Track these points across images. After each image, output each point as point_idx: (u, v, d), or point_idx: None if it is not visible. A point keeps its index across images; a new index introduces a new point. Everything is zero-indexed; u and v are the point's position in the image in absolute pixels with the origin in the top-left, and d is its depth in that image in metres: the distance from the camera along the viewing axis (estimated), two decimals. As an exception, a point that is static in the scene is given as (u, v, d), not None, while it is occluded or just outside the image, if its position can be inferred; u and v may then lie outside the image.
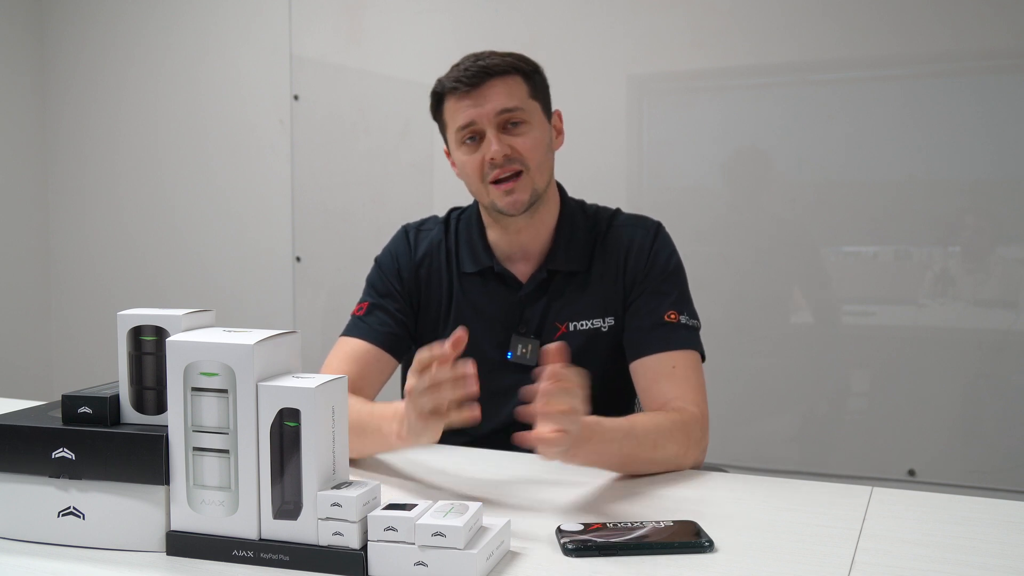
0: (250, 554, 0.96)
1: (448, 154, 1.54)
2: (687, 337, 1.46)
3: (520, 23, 2.76)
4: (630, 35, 2.65)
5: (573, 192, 1.60)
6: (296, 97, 3.10)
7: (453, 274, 1.55)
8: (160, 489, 0.99)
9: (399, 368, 1.58)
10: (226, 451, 0.96)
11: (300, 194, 3.13)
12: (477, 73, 1.43)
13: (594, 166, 2.61)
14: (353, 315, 1.55)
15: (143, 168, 3.39)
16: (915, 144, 2.40)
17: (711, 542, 1.00)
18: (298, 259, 3.14)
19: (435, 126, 1.55)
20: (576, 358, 1.13)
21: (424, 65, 2.45)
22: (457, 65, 1.47)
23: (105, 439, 0.99)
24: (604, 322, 1.51)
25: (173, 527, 0.99)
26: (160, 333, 1.02)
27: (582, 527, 1.04)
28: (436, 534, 0.91)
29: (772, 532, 1.07)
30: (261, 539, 0.96)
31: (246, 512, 0.96)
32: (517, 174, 1.45)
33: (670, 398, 1.40)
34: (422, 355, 1.07)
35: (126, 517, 0.99)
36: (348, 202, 3.06)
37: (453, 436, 1.42)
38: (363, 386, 1.47)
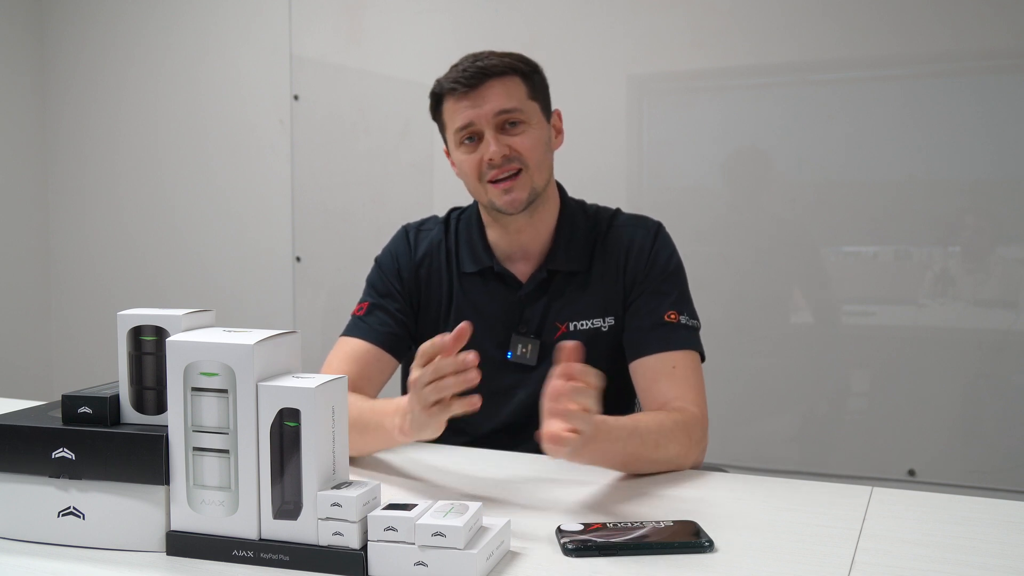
0: (250, 554, 0.96)
1: (448, 154, 1.54)
2: (687, 337, 1.46)
3: (520, 23, 2.76)
4: (630, 35, 2.65)
5: (573, 192, 1.60)
6: (296, 97, 3.10)
7: (453, 274, 1.56)
8: (160, 489, 0.99)
9: (399, 368, 1.58)
10: (226, 451, 0.96)
11: (300, 194, 3.13)
12: (475, 74, 1.43)
13: (594, 166, 2.61)
14: (353, 315, 1.55)
15: (143, 168, 3.39)
16: (915, 144, 2.40)
17: (711, 542, 1.00)
18: (298, 259, 3.14)
19: (435, 126, 1.55)
20: (576, 359, 1.13)
21: (424, 65, 2.45)
22: (456, 66, 1.47)
23: (105, 439, 0.99)
24: (604, 322, 1.51)
25: (173, 527, 0.99)
26: (160, 333, 1.02)
27: (582, 527, 1.04)
28: (436, 534, 0.91)
29: (772, 532, 1.07)
30: (261, 539, 0.96)
31: (246, 512, 0.96)
32: (516, 172, 1.45)
33: (670, 398, 1.40)
34: (425, 347, 1.08)
35: (126, 517, 0.99)
36: (348, 202, 3.06)
37: (453, 436, 1.43)
38: (363, 386, 1.47)
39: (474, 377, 1.07)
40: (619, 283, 1.51)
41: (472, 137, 1.46)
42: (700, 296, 1.56)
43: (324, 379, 0.97)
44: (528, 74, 1.48)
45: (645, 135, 2.69)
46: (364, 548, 0.93)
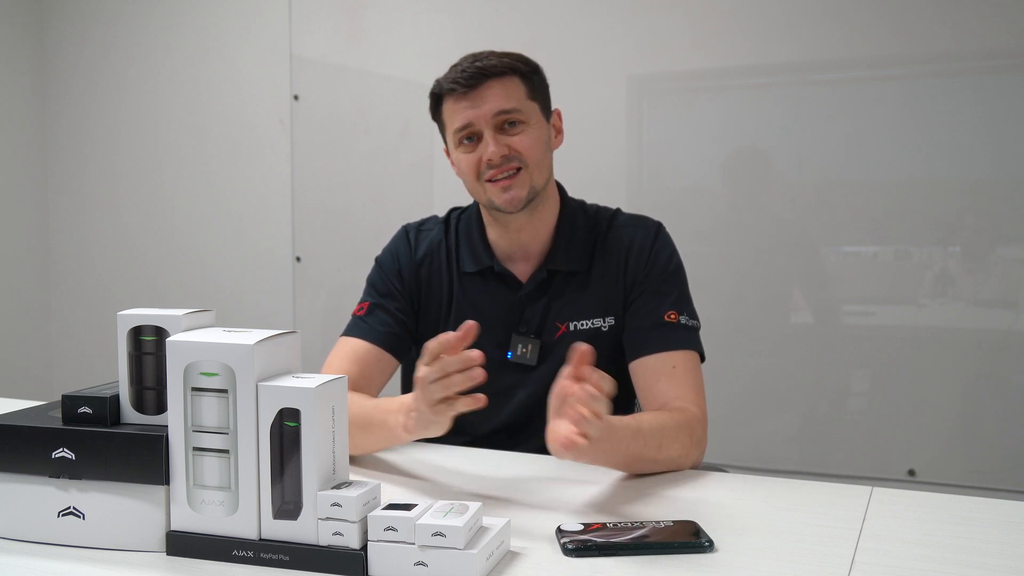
0: (250, 554, 0.96)
1: (448, 154, 1.54)
2: (687, 337, 1.46)
3: (520, 23, 2.76)
4: (630, 35, 2.65)
5: (573, 192, 1.60)
6: (296, 97, 3.10)
7: (453, 274, 1.56)
8: (160, 489, 0.99)
9: (399, 368, 1.58)
10: (226, 451, 0.96)
11: (300, 194, 3.13)
12: (474, 75, 1.43)
13: (594, 166, 2.61)
14: (354, 315, 1.55)
15: (143, 168, 3.39)
16: (915, 144, 2.40)
17: (711, 542, 1.00)
18: (298, 259, 3.14)
19: (435, 126, 1.55)
20: (576, 358, 1.13)
21: (424, 65, 2.45)
22: (455, 66, 1.47)
23: (105, 439, 0.99)
24: (604, 322, 1.51)
25: (173, 527, 0.99)
26: (160, 333, 1.02)
27: (582, 527, 1.04)
28: (436, 534, 0.91)
29: (772, 532, 1.07)
30: (261, 539, 0.96)
31: (246, 512, 0.96)
32: (516, 171, 1.45)
33: (670, 398, 1.40)
34: (431, 345, 1.08)
35: (126, 517, 0.99)
36: (348, 202, 3.06)
37: (453, 436, 1.42)
38: (364, 386, 1.47)
39: (479, 374, 1.07)
40: (619, 283, 1.51)
41: (471, 137, 1.46)
42: (700, 296, 1.57)
43: (324, 379, 0.97)
44: (528, 74, 1.48)
45: (645, 135, 2.69)
46: (364, 548, 0.93)
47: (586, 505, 1.18)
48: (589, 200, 1.61)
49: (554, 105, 1.55)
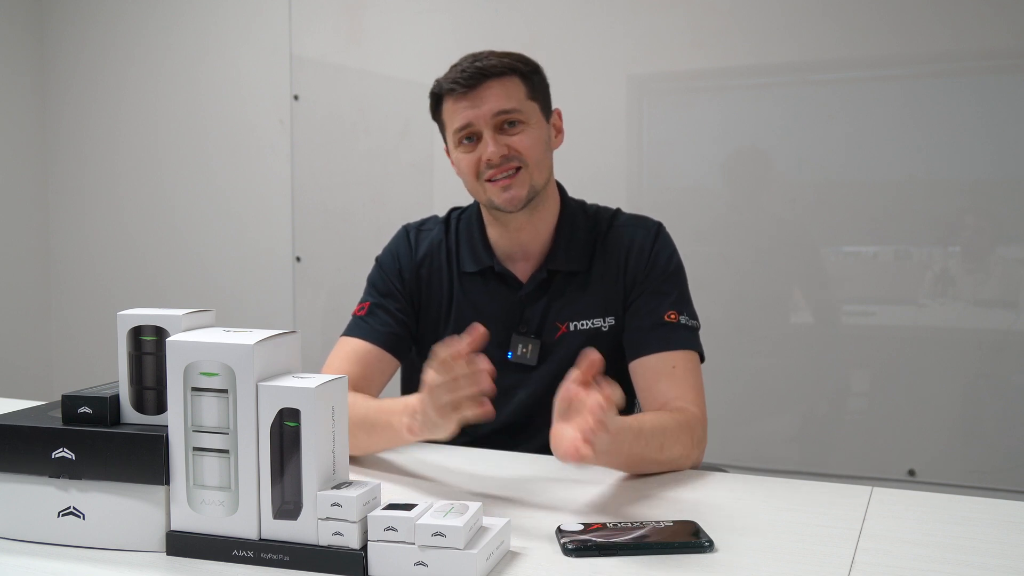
0: (250, 554, 0.96)
1: (448, 153, 1.54)
2: (687, 337, 1.46)
3: (520, 23, 2.76)
4: (630, 35, 2.65)
5: (573, 192, 1.60)
6: (296, 97, 3.10)
7: (454, 274, 1.56)
8: (160, 489, 0.99)
9: (400, 368, 1.58)
10: (226, 451, 0.96)
11: (300, 194, 3.13)
12: (474, 75, 1.43)
13: (594, 166, 2.61)
14: (354, 315, 1.55)
15: (143, 168, 3.39)
16: (915, 144, 2.40)
17: (711, 542, 1.00)
18: (298, 259, 3.14)
19: (435, 126, 1.55)
20: (576, 358, 1.13)
21: (424, 65, 2.45)
22: (455, 66, 1.47)
23: (105, 439, 0.99)
24: (604, 322, 1.51)
25: (173, 527, 0.99)
26: (160, 333, 1.02)
27: (582, 527, 1.04)
28: (436, 534, 0.91)
29: (772, 532, 1.07)
30: (261, 539, 0.96)
31: (246, 512, 0.96)
32: (515, 170, 1.45)
33: (670, 398, 1.40)
34: (440, 350, 1.07)
35: (126, 517, 0.99)
36: (348, 202, 3.06)
37: (453, 436, 1.42)
38: (365, 386, 1.47)
39: (486, 380, 1.06)
40: (619, 283, 1.51)
41: (471, 137, 1.46)
42: (700, 296, 1.57)
43: (324, 379, 0.97)
44: (527, 74, 1.48)
45: (645, 135, 2.69)
46: (364, 548, 0.93)
47: (586, 505, 1.18)
48: (589, 200, 1.61)
49: (554, 105, 1.55)
